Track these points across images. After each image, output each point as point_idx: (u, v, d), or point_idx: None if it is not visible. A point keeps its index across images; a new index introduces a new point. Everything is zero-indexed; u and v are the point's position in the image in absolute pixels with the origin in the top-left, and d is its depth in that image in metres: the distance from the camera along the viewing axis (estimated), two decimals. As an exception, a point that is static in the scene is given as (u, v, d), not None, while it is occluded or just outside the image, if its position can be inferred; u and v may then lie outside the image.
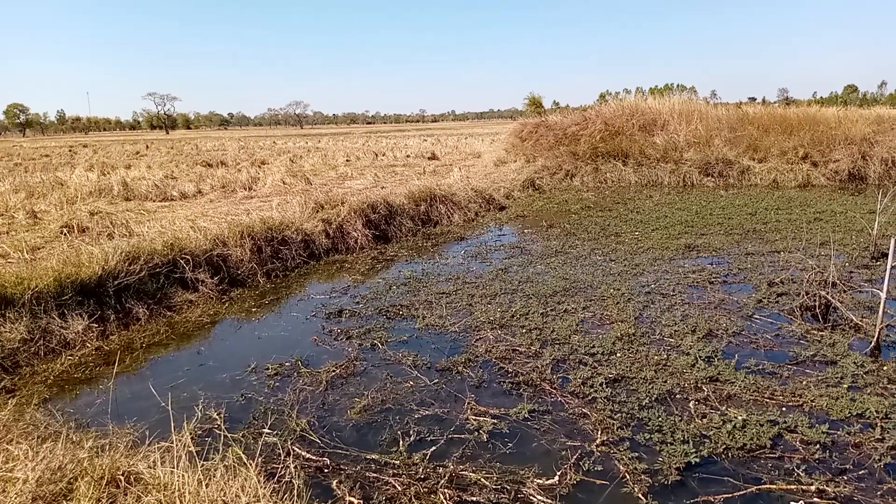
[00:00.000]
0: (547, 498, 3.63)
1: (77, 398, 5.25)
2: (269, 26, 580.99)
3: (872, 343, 5.55)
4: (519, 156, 21.73)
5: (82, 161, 29.62)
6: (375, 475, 3.91)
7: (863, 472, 3.81)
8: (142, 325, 6.99)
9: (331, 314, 7.15)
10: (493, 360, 5.68)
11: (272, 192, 15.94)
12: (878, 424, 4.29)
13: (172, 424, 3.83)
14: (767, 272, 8.20)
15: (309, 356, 5.95)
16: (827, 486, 3.65)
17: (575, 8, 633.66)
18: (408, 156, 28.81)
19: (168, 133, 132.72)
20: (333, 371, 5.53)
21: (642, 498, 3.60)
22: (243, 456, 3.49)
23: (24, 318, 6.12)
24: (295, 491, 3.43)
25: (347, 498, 3.67)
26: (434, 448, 4.22)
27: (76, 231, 10.34)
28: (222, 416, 4.70)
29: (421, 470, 3.93)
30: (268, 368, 5.65)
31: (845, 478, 3.75)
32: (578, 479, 3.81)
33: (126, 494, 3.23)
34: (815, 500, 3.56)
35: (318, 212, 11.00)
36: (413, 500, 3.64)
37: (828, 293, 6.33)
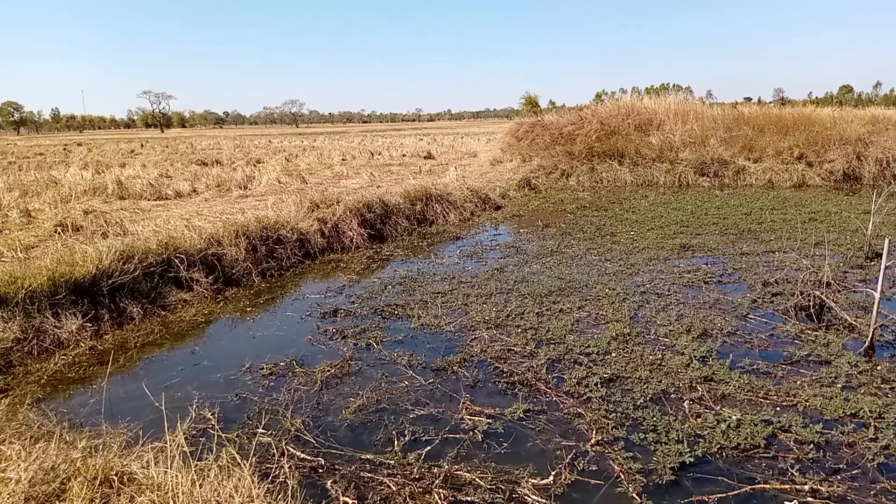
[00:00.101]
0: (542, 498, 3.63)
1: (70, 398, 5.23)
2: (265, 25, 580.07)
3: (866, 343, 5.57)
4: (515, 155, 21.74)
5: (77, 159, 29.50)
6: (370, 475, 3.90)
7: (856, 471, 3.82)
8: (136, 324, 6.96)
9: (326, 314, 7.13)
10: (489, 359, 5.68)
11: (267, 190, 15.91)
12: (872, 424, 4.30)
13: (166, 424, 3.81)
14: (762, 272, 8.22)
15: (304, 356, 5.94)
16: (821, 485, 3.66)
17: (573, 8, 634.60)
18: (404, 155, 28.80)
19: (163, 131, 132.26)
20: (328, 371, 5.52)
21: (637, 498, 3.60)
22: (237, 456, 3.48)
23: (18, 318, 6.10)
24: (289, 491, 3.42)
25: (342, 498, 3.66)
26: (429, 448, 4.22)
27: (70, 230, 10.30)
28: (216, 415, 4.68)
29: (416, 470, 3.93)
30: (262, 368, 5.64)
31: (839, 477, 3.76)
32: (573, 479, 3.81)
33: (119, 495, 3.22)
34: (809, 499, 3.57)
35: (313, 211, 10.98)
36: (408, 500, 3.63)
37: (822, 293, 6.35)
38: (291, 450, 4.19)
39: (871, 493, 3.61)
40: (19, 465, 3.36)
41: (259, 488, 3.27)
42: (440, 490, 3.70)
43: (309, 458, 4.11)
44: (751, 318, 6.54)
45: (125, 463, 3.50)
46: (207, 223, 9.82)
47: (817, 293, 6.36)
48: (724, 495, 3.62)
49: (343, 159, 26.75)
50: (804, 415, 4.48)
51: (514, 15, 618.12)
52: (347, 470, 3.97)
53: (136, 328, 6.86)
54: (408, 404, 4.89)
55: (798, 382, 5.00)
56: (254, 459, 3.65)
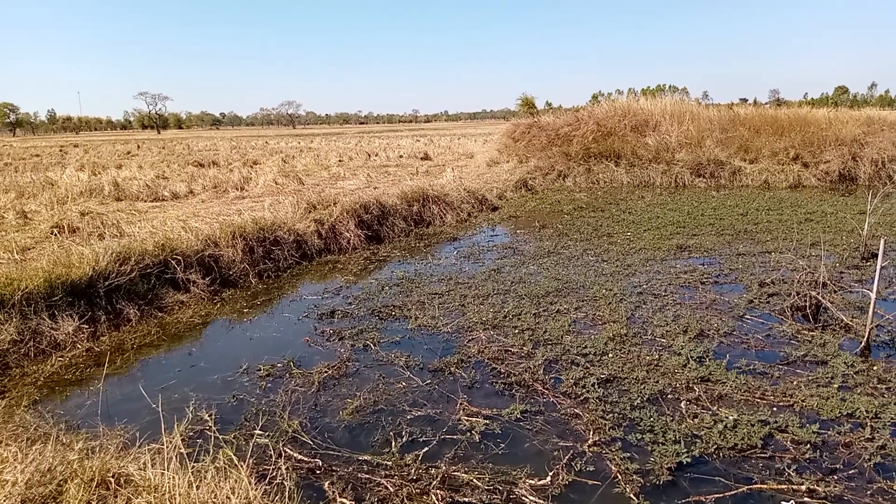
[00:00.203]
0: (539, 498, 3.64)
1: (67, 400, 5.21)
2: (262, 26, 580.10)
3: (862, 343, 5.59)
4: (511, 156, 21.74)
5: (73, 161, 29.43)
6: (367, 476, 3.90)
7: (853, 471, 3.84)
8: (133, 326, 6.95)
9: (323, 315, 7.13)
10: (486, 360, 5.68)
11: (264, 192, 15.89)
12: (868, 424, 4.31)
13: (163, 426, 3.81)
14: (758, 272, 8.24)
15: (301, 357, 5.94)
16: (817, 485, 3.67)
17: (570, 10, 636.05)
18: (400, 156, 28.79)
19: (159, 133, 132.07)
20: (325, 372, 5.52)
21: (634, 498, 3.60)
22: (234, 457, 3.48)
23: (14, 320, 6.08)
24: (286, 492, 3.43)
25: (339, 499, 3.66)
26: (426, 449, 4.22)
27: (67, 231, 10.28)
28: (213, 417, 4.68)
29: (413, 471, 3.93)
30: (259, 369, 5.63)
31: (835, 477, 3.77)
32: (570, 480, 3.82)
33: (116, 496, 3.21)
34: (806, 499, 3.58)
35: (310, 212, 10.97)
36: (405, 501, 3.63)
37: (818, 293, 6.37)
38: (289, 451, 4.19)
39: (868, 493, 3.62)
40: (16, 467, 3.34)
41: (256, 490, 3.27)
42: (438, 491, 3.70)
43: (306, 459, 4.11)
44: (747, 319, 6.56)
45: (122, 465, 3.49)
46: (204, 224, 9.80)
47: (813, 293, 6.37)
48: (721, 495, 3.63)
49: (340, 160, 26.74)
50: (801, 415, 4.49)
51: (511, 16, 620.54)
52: (345, 471, 3.97)
53: (132, 330, 6.84)
54: (405, 405, 4.89)
55: (794, 383, 5.01)
56: (251, 461, 3.64)
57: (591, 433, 4.34)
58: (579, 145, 20.60)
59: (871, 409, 4.47)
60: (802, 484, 3.68)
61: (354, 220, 11.18)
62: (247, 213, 10.97)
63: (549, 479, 3.82)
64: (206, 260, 8.39)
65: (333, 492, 3.73)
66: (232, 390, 5.24)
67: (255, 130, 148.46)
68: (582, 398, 4.86)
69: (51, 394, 5.33)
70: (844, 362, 5.30)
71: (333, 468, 4.01)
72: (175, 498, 3.12)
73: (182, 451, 3.47)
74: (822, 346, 5.72)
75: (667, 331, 6.20)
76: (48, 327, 6.25)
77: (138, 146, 48.99)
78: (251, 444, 4.16)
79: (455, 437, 4.38)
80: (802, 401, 4.69)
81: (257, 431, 4.45)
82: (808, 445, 4.08)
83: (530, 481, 3.80)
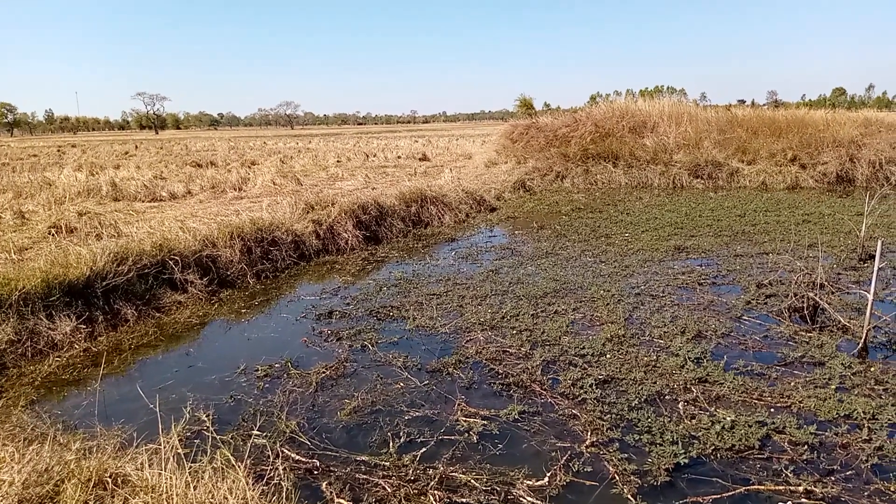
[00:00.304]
0: (537, 499, 3.64)
1: (64, 400, 5.20)
2: (261, 26, 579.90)
3: (860, 344, 5.60)
4: (510, 157, 21.76)
5: (71, 161, 29.41)
6: (365, 477, 3.90)
7: (850, 472, 3.84)
8: (130, 326, 6.94)
9: (321, 315, 7.12)
10: (484, 361, 5.68)
11: (262, 192, 15.88)
12: (866, 425, 4.32)
13: (161, 426, 3.81)
14: (756, 274, 8.25)
15: (299, 357, 5.93)
16: (815, 486, 3.67)
17: (569, 10, 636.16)
18: (399, 157, 28.80)
19: (157, 133, 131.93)
20: (323, 372, 5.51)
21: (631, 499, 3.61)
22: (232, 458, 3.47)
23: (12, 319, 6.07)
24: (284, 493, 3.42)
25: (337, 500, 3.65)
26: (424, 449, 4.21)
27: (64, 231, 10.26)
28: (211, 417, 4.67)
29: (411, 471, 3.93)
30: (257, 370, 5.62)
31: (833, 478, 3.78)
32: (568, 480, 3.82)
33: (113, 497, 3.21)
34: (803, 500, 3.58)
35: (308, 213, 10.97)
36: (403, 501, 3.63)
37: (816, 295, 6.37)
38: (286, 452, 4.18)
39: (865, 494, 3.63)
40: (13, 467, 3.34)
41: (254, 490, 3.26)
42: (435, 492, 3.70)
43: (304, 459, 4.10)
44: (745, 320, 6.57)
45: (119, 465, 3.49)
46: (202, 225, 9.80)
47: (811, 295, 6.38)
48: (718, 496, 3.63)
49: (338, 161, 26.74)
50: (798, 416, 4.49)
51: (509, 17, 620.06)
52: (342, 472, 3.97)
53: (130, 330, 6.83)
54: (403, 406, 4.89)
55: (792, 384, 5.02)
56: (248, 461, 3.63)
57: (589, 434, 4.34)
58: (577, 146, 20.62)
59: (869, 411, 4.48)
60: (800, 485, 3.68)
61: (352, 220, 11.18)
62: (245, 213, 10.96)
63: (546, 479, 3.82)
64: (203, 260, 8.38)
65: (331, 492, 3.72)
66: (229, 391, 5.24)
67: (254, 131, 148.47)
68: (580, 399, 4.86)
69: (48, 394, 5.31)
70: (842, 363, 5.31)
71: (331, 469, 4.01)
72: (172, 498, 3.12)
73: (179, 451, 3.46)
74: (820, 347, 5.73)
75: (664, 332, 6.21)
76: (45, 327, 6.24)
77: (136, 146, 48.94)
78: (249, 445, 4.15)
79: (453, 437, 4.38)
80: (800, 402, 4.69)
81: (255, 432, 4.45)
82: (806, 446, 4.09)
83: (528, 482, 3.80)
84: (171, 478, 3.23)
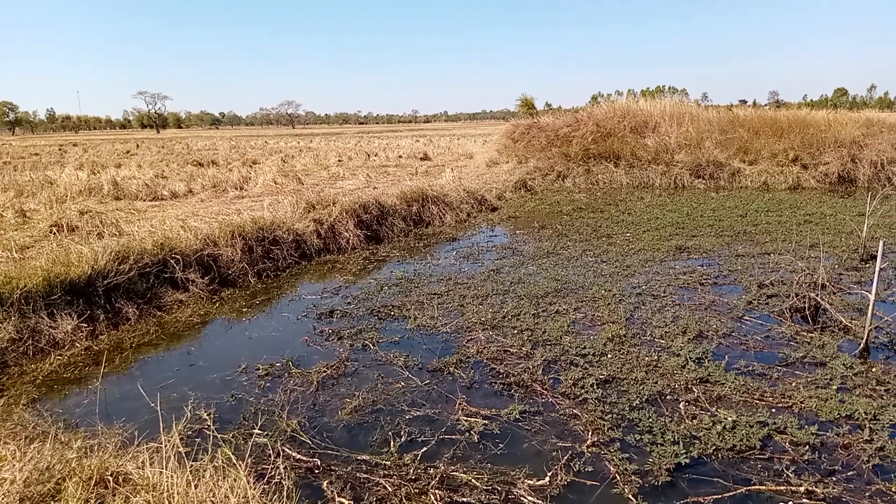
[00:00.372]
0: (538, 498, 3.64)
1: (66, 398, 5.21)
2: (262, 26, 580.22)
3: (861, 345, 5.59)
4: (511, 157, 21.75)
5: (72, 160, 29.44)
6: (366, 476, 3.90)
7: (851, 473, 3.84)
8: (131, 324, 6.94)
9: (322, 314, 7.12)
10: (485, 360, 5.68)
11: (263, 191, 15.89)
12: (867, 426, 4.31)
13: (162, 425, 3.81)
14: (757, 274, 8.24)
15: (300, 356, 5.93)
16: (816, 487, 3.67)
17: (570, 10, 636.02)
18: (400, 156, 28.80)
19: (159, 132, 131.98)
20: (324, 371, 5.51)
21: (632, 499, 3.60)
22: (233, 457, 3.47)
23: (13, 318, 6.07)
24: (285, 492, 3.42)
25: (338, 499, 3.65)
26: (425, 449, 4.21)
27: (66, 230, 10.27)
28: (212, 416, 4.67)
29: (412, 471, 3.93)
30: (258, 369, 5.63)
31: (834, 479, 3.77)
32: (569, 480, 3.82)
33: (114, 495, 3.21)
34: (805, 501, 3.58)
35: (309, 212, 10.96)
36: (404, 500, 3.63)
37: (817, 295, 6.37)
38: (287, 450, 4.18)
39: (867, 494, 3.62)
40: (14, 465, 3.34)
41: (255, 489, 3.27)
42: (436, 491, 3.70)
43: (305, 458, 4.10)
44: (746, 320, 6.56)
45: (120, 463, 3.49)
46: (203, 224, 9.80)
47: (812, 295, 6.38)
48: (719, 497, 3.63)
49: (339, 160, 26.74)
50: (799, 416, 4.49)
51: (510, 16, 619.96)
52: (343, 471, 3.97)
53: (131, 328, 6.84)
54: (404, 405, 4.89)
55: (793, 384, 5.01)
56: (249, 460, 3.64)
57: (590, 434, 4.34)
58: (579, 146, 20.61)
59: (870, 411, 4.48)
60: (801, 485, 3.68)
61: (353, 219, 11.18)
62: (246, 212, 10.96)
63: (547, 479, 3.82)
64: (205, 259, 8.38)
65: (332, 491, 3.72)
66: (231, 389, 5.24)
67: (255, 130, 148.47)
68: (581, 399, 4.86)
69: (49, 392, 5.32)
70: (843, 364, 5.30)
71: (332, 468, 4.01)
72: (173, 497, 3.12)
73: (180, 449, 3.47)
74: (821, 347, 5.72)
75: (666, 332, 6.21)
76: (47, 326, 6.24)
77: (137, 145, 48.98)
78: (250, 444, 4.15)
79: (454, 437, 4.38)
80: (801, 402, 4.69)
81: (256, 431, 4.45)
82: (807, 447, 4.08)
83: (529, 481, 3.80)
84: (172, 476, 3.23)
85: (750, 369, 5.30)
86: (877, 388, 4.91)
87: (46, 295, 6.45)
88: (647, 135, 20.80)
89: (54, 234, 10.06)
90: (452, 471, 3.92)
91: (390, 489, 3.73)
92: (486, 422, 4.55)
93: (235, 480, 3.28)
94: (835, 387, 4.92)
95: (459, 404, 4.83)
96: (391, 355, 5.85)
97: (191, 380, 5.50)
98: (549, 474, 3.87)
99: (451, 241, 11.31)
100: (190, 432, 4.42)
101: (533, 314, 6.81)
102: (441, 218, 13.30)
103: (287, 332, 6.68)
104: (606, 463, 3.99)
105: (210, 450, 3.64)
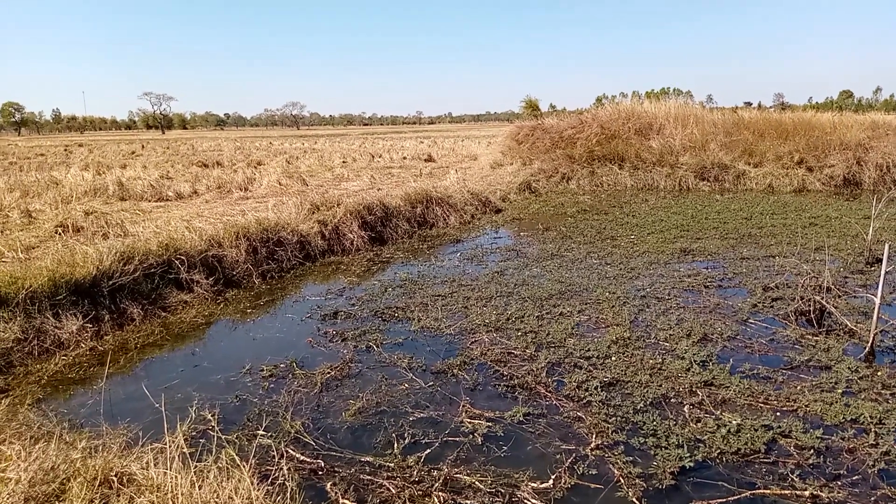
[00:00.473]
0: (541, 501, 3.63)
1: (70, 398, 5.22)
2: (266, 27, 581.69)
3: (867, 348, 5.57)
4: (515, 158, 21.74)
5: (77, 160, 29.53)
6: (370, 478, 3.90)
7: (857, 477, 3.82)
8: (136, 325, 6.96)
9: (326, 316, 7.13)
10: (489, 362, 5.68)
11: (268, 192, 15.91)
12: (872, 430, 4.29)
13: (166, 425, 3.81)
14: (762, 277, 8.22)
15: (304, 358, 5.94)
16: (821, 491, 3.65)
17: (574, 11, 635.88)
18: (404, 158, 28.82)
19: (164, 133, 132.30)
20: (328, 373, 5.52)
21: (636, 502, 3.60)
22: (237, 457, 3.48)
23: (19, 318, 6.10)
24: (288, 493, 3.42)
25: (341, 500, 3.66)
26: (429, 451, 4.21)
27: (71, 231, 10.30)
28: (216, 417, 4.68)
29: (415, 473, 3.92)
30: (262, 370, 5.63)
31: (839, 483, 3.76)
32: (573, 483, 3.81)
33: (119, 495, 3.22)
34: (809, 504, 3.56)
35: (313, 213, 10.98)
36: (407, 502, 3.63)
37: (822, 298, 6.35)
38: (291, 452, 4.19)
39: (872, 499, 3.61)
40: (19, 465, 3.35)
41: (258, 490, 3.27)
42: (440, 493, 3.70)
43: (309, 460, 4.11)
44: (751, 323, 6.54)
45: (125, 464, 3.50)
46: (208, 225, 9.82)
47: (818, 298, 6.36)
48: (724, 500, 3.62)
49: (343, 161, 26.77)
50: (804, 420, 4.47)
51: (514, 17, 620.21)
52: (347, 472, 3.97)
53: (136, 329, 6.85)
54: (408, 407, 4.89)
55: (798, 387, 4.99)
56: (253, 461, 3.64)
57: (594, 436, 4.33)
58: (583, 148, 20.60)
59: (875, 415, 4.46)
60: (806, 489, 3.67)
61: (358, 221, 11.19)
62: (250, 213, 10.98)
63: (551, 482, 3.81)
64: (209, 260, 8.40)
65: (336, 493, 3.73)
66: (235, 390, 5.25)
67: (260, 131, 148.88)
68: (585, 401, 4.85)
69: (54, 392, 5.34)
70: (848, 367, 5.28)
71: (336, 469, 4.01)
72: (177, 497, 3.13)
73: (185, 450, 3.48)
74: (826, 350, 5.70)
75: (670, 334, 6.19)
76: (52, 326, 6.26)
77: (143, 146, 49.13)
78: (254, 445, 4.16)
79: (457, 439, 4.38)
80: (806, 406, 4.67)
81: (260, 432, 4.45)
82: (812, 451, 4.07)
83: (532, 484, 3.79)
84: (176, 477, 3.24)
85: (755, 372, 5.28)
86: (882, 391, 4.89)
87: (52, 295, 6.47)
88: (651, 137, 20.78)
89: (59, 234, 10.09)
90: (456, 473, 3.91)
91: (394, 491, 3.73)
92: (490, 424, 4.54)
93: (239, 481, 3.29)
94: (840, 390, 4.90)
95: (463, 406, 4.83)
96: (395, 357, 5.85)
97: (195, 380, 5.51)
98: (553, 477, 3.86)
99: (455, 243, 11.31)
100: (194, 433, 4.43)
101: (537, 316, 6.81)
102: (445, 219, 13.30)
103: (291, 334, 6.69)
104: (610, 466, 3.98)
105: (214, 450, 3.65)
